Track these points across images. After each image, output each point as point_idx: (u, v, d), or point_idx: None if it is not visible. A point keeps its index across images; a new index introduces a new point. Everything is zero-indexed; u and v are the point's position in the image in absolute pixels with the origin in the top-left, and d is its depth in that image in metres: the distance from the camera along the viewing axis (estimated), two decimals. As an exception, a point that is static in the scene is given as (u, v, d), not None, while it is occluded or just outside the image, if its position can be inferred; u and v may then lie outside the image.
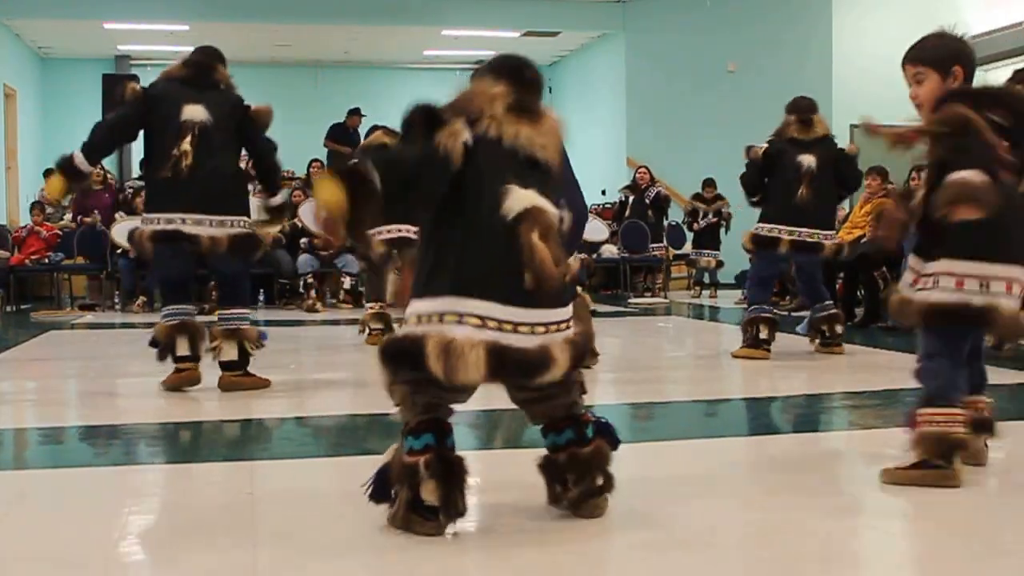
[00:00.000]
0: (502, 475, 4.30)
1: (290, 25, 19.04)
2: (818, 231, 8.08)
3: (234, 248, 6.38)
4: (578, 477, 3.57)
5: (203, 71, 6.57)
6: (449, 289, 3.31)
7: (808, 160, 8.03)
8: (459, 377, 3.24)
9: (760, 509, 3.90)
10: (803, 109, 8.29)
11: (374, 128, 9.46)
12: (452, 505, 3.38)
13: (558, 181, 3.55)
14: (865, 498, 4.15)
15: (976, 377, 4.30)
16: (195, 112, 6.31)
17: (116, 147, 6.89)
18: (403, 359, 3.37)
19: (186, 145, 6.21)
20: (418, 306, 3.37)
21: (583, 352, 3.52)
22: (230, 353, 6.56)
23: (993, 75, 17.01)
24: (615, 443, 3.67)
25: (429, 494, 3.36)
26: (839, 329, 8.33)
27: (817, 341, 8.37)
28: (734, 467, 4.70)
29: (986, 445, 4.41)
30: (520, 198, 3.31)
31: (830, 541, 3.52)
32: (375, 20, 18.92)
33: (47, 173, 17.10)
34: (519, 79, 3.60)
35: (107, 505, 3.99)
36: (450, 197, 3.37)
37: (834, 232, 8.41)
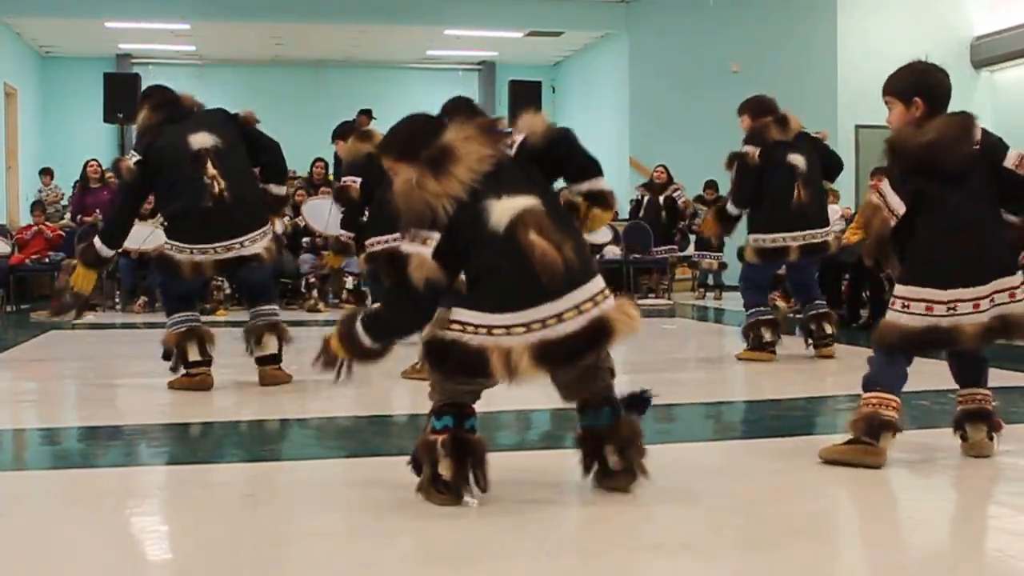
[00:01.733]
0: (506, 477, 4.26)
1: (292, 24, 19.01)
2: (819, 231, 7.95)
3: (271, 255, 6.61)
4: (620, 452, 3.91)
5: (175, 104, 6.68)
6: (496, 306, 3.63)
7: (799, 160, 7.83)
8: (523, 379, 3.63)
9: (767, 512, 3.86)
10: (772, 108, 8.02)
11: (366, 117, 9.41)
12: (464, 480, 3.76)
13: (513, 168, 3.79)
14: (870, 502, 4.12)
15: (969, 370, 4.65)
16: (202, 139, 6.43)
17: (131, 224, 6.93)
18: (469, 368, 3.67)
19: (212, 170, 6.35)
20: (463, 315, 3.68)
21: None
22: (271, 346, 6.76)
23: (999, 76, 17.03)
24: (645, 407, 4.01)
25: (445, 470, 3.75)
26: (828, 328, 8.14)
27: (810, 343, 8.27)
28: (741, 470, 4.65)
29: (990, 438, 4.58)
30: (502, 211, 3.63)
31: (836, 546, 3.51)
32: (378, 20, 18.89)
33: (43, 171, 17.08)
34: (406, 146, 3.85)
35: (108, 507, 3.96)
36: (464, 245, 3.69)
37: (829, 227, 8.17)
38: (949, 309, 4.35)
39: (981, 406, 4.61)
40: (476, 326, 3.65)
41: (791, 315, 10.80)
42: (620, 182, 17.84)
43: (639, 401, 4.01)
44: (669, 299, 15.29)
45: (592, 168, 3.98)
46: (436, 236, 3.66)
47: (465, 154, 3.69)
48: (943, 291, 4.36)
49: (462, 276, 3.79)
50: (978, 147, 4.43)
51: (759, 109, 8.04)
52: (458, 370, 3.70)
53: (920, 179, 4.42)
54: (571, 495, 4.01)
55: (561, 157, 3.93)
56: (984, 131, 4.51)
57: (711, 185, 15.78)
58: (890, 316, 4.51)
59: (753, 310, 8.13)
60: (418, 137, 3.82)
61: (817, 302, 8.23)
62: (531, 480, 4.20)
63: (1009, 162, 4.44)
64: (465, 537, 3.53)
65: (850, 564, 3.37)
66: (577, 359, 3.68)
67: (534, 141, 3.87)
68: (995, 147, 4.49)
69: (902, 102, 4.53)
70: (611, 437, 3.91)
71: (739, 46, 17.91)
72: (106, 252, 6.64)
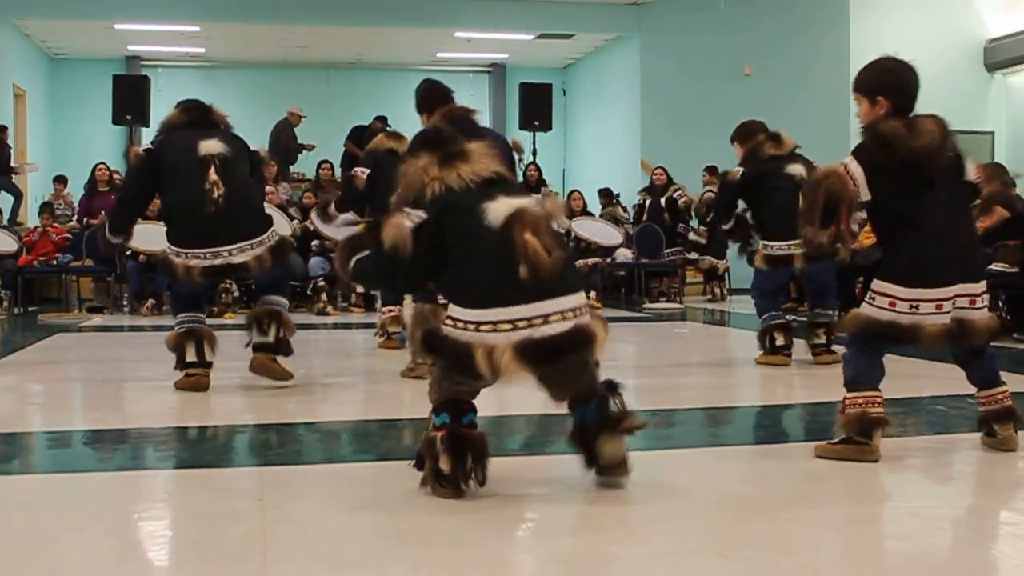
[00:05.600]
0: (517, 482, 4.22)
1: (302, 26, 18.97)
2: None
3: (275, 259, 6.64)
4: (607, 430, 4.04)
5: (202, 113, 6.80)
6: (483, 302, 3.85)
7: (798, 170, 7.82)
8: (504, 376, 3.80)
9: (777, 518, 3.83)
10: (760, 128, 8.21)
11: (380, 123, 9.41)
12: (464, 474, 3.90)
13: (516, 184, 4.15)
14: (884, 508, 4.11)
15: (982, 371, 4.76)
16: (211, 146, 6.52)
17: (138, 215, 7.15)
18: (456, 361, 3.88)
19: (213, 176, 6.41)
20: (455, 312, 3.92)
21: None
22: (270, 333, 6.74)
23: (1013, 78, 16.98)
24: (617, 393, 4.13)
25: (444, 464, 3.90)
26: (817, 338, 8.08)
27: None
28: (751, 475, 4.64)
29: (1015, 431, 4.72)
30: (499, 208, 3.85)
31: (848, 552, 3.46)
32: (388, 22, 18.85)
33: (57, 179, 17.05)
34: (434, 142, 4.20)
35: (115, 511, 3.95)
36: (454, 238, 3.95)
37: None
38: (911, 307, 4.50)
39: (1004, 404, 4.73)
40: (465, 322, 3.86)
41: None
42: (631, 184, 17.78)
43: (612, 387, 4.13)
44: (680, 303, 15.23)
45: None
46: (420, 214, 3.97)
47: (476, 160, 4.05)
48: (905, 289, 4.50)
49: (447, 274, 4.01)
50: (952, 153, 4.62)
51: (745, 133, 8.26)
52: (449, 364, 3.93)
53: (898, 178, 4.53)
54: (581, 501, 4.00)
55: None
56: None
57: (710, 170, 15.72)
58: (862, 307, 4.67)
59: (765, 315, 8.10)
60: (450, 139, 4.19)
61: (818, 310, 8.17)
62: (541, 486, 4.21)
63: (970, 175, 4.69)
64: (477, 543, 3.50)
65: (865, 570, 3.31)
66: (559, 360, 3.85)
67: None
68: (960, 156, 4.68)
69: (867, 99, 4.69)
70: (601, 427, 4.04)
71: (751, 48, 17.86)
72: (116, 238, 6.98)
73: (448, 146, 4.13)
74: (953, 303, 4.50)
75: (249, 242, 6.53)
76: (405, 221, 3.98)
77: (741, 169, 8.13)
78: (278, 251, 6.67)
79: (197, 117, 6.76)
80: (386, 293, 9.37)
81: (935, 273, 4.51)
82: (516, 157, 7.97)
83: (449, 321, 3.92)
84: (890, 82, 4.66)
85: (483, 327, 3.81)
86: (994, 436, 4.76)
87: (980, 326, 4.57)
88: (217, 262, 6.50)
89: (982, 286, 4.60)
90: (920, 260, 4.52)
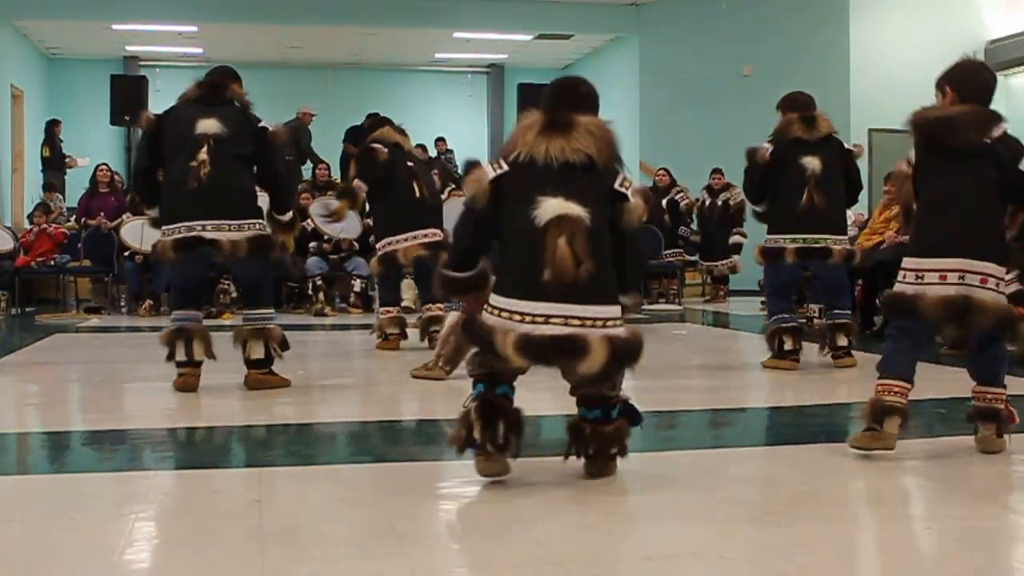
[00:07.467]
0: (517, 484, 4.21)
1: (301, 27, 18.96)
2: (824, 236, 7.65)
3: (254, 249, 6.54)
4: (597, 449, 4.21)
5: (215, 89, 6.77)
6: (508, 290, 4.07)
7: (812, 164, 7.56)
8: (513, 362, 3.96)
9: (776, 520, 3.81)
10: (804, 105, 7.85)
11: (379, 120, 9.38)
12: (493, 441, 4.02)
13: (604, 169, 4.15)
14: (883, 511, 4.09)
15: (984, 368, 4.85)
16: (208, 125, 6.51)
17: (156, 184, 6.87)
18: (480, 342, 4.09)
19: (203, 155, 6.41)
20: (492, 299, 4.12)
21: (626, 351, 4.06)
22: (257, 351, 6.71)
23: (1014, 80, 16.97)
24: (637, 421, 4.34)
25: (477, 433, 4.03)
26: (841, 340, 7.89)
27: (828, 352, 8.06)
28: (751, 478, 4.62)
29: (999, 435, 4.77)
30: (549, 208, 3.98)
31: (847, 555, 3.45)
32: (387, 22, 18.83)
33: (48, 187, 17.01)
34: (554, 99, 4.36)
35: (113, 511, 3.93)
36: (503, 213, 4.16)
37: (845, 236, 7.92)
38: (917, 277, 4.64)
39: (991, 405, 4.80)
40: (493, 308, 4.07)
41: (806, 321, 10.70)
42: (630, 186, 17.73)
43: (633, 415, 4.32)
44: (679, 304, 15.21)
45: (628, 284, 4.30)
46: (505, 168, 4.16)
47: (576, 136, 4.12)
48: (913, 260, 4.69)
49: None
50: (991, 141, 4.64)
51: (788, 105, 7.93)
52: (475, 344, 4.15)
53: (923, 150, 4.71)
54: (579, 502, 3.99)
55: (622, 248, 4.22)
56: (1007, 133, 4.69)
57: (717, 171, 15.71)
58: None
59: (775, 317, 7.93)
60: (563, 102, 4.32)
61: (837, 311, 7.98)
62: (539, 487, 4.18)
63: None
64: (474, 544, 3.51)
65: (864, 573, 3.32)
66: (547, 361, 3.99)
67: (625, 219, 4.18)
68: (1013, 149, 4.67)
69: (939, 90, 4.82)
70: (595, 432, 4.20)
71: (751, 48, 17.81)
72: (150, 211, 7.03)
73: (556, 112, 4.25)
74: (961, 277, 4.56)
75: (227, 222, 6.47)
76: (487, 170, 4.20)
77: (769, 147, 7.81)
78: (258, 244, 6.56)
79: (209, 94, 6.73)
80: (384, 294, 9.34)
81: (937, 244, 4.62)
82: None
83: (486, 307, 4.11)
84: (961, 76, 4.78)
85: (503, 314, 4.01)
86: (978, 434, 4.85)
87: (987, 307, 4.57)
88: (189, 235, 6.44)
89: (996, 269, 4.62)
90: (927, 230, 4.67)
